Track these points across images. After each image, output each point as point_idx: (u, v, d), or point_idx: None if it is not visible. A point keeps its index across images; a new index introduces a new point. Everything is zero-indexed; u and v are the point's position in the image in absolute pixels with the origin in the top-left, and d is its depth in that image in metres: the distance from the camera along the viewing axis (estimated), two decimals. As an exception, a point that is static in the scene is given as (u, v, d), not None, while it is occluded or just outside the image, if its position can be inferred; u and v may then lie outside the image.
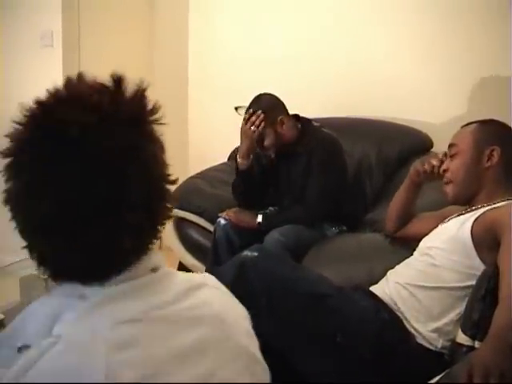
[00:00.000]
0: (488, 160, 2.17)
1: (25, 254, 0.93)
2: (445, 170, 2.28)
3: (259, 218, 3.15)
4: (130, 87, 0.95)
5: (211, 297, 1.04)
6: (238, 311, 1.08)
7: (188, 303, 0.97)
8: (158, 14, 4.57)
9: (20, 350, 0.94)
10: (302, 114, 3.31)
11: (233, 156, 3.72)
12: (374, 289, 2.23)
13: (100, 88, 0.94)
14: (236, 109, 3.51)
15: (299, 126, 3.25)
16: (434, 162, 2.37)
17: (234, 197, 3.39)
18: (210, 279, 1.09)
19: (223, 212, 3.26)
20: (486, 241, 1.98)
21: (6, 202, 0.93)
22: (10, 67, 3.99)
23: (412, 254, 2.26)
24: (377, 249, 2.68)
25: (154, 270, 0.99)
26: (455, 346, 1.90)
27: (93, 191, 0.88)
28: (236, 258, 2.17)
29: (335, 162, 3.21)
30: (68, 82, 0.94)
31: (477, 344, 1.79)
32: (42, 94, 0.93)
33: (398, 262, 2.27)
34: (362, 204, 3.49)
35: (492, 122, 2.28)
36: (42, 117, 0.91)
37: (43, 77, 3.90)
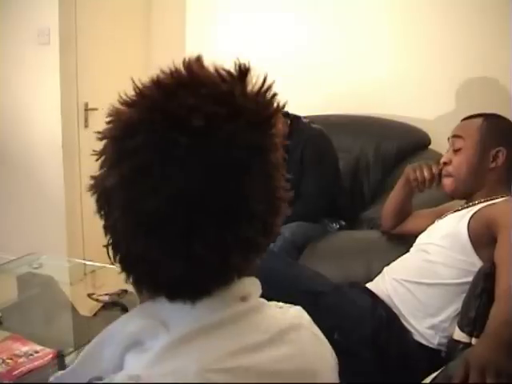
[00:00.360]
0: (493, 161, 2.15)
1: (22, 252, 0.87)
2: (446, 163, 2.24)
3: None
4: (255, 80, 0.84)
5: (307, 343, 0.92)
6: (329, 362, 0.97)
7: (283, 350, 0.86)
8: (155, 11, 4.56)
9: (91, 382, 0.82)
10: (300, 112, 3.31)
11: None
12: (370, 286, 2.23)
13: (227, 77, 0.82)
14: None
15: (288, 122, 3.25)
16: (426, 174, 2.31)
17: None
18: (305, 317, 0.98)
19: None
20: (482, 237, 1.98)
21: (96, 191, 0.83)
22: (7, 64, 3.99)
23: (409, 251, 2.26)
24: (374, 245, 2.68)
25: (244, 298, 0.87)
26: (452, 342, 1.90)
27: (210, 193, 0.78)
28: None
29: (327, 155, 3.23)
30: (188, 65, 0.82)
31: (474, 341, 1.79)
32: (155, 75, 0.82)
33: (395, 259, 2.27)
34: (359, 201, 3.50)
35: (498, 118, 2.25)
36: (161, 100, 0.80)
37: (40, 74, 3.91)
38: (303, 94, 3.82)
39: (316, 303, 2.03)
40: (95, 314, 2.18)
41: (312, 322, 0.98)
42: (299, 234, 2.97)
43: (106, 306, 2.20)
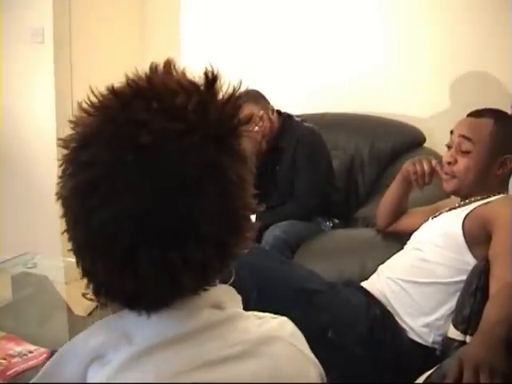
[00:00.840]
0: (500, 168, 2.13)
1: (16, 251, 0.86)
2: (450, 162, 2.19)
3: (252, 218, 3.12)
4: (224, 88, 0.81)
5: (282, 358, 0.86)
6: (308, 377, 0.90)
7: (252, 368, 0.81)
8: (148, 10, 4.55)
9: None
10: (293, 111, 3.31)
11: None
12: (365, 284, 2.23)
13: (188, 86, 0.78)
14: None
15: (280, 120, 3.26)
16: (425, 167, 2.30)
17: None
18: (287, 329, 0.91)
19: None
20: (477, 236, 1.98)
21: (59, 198, 0.81)
22: (1, 64, 3.97)
23: (403, 249, 2.26)
24: (368, 243, 2.68)
25: (217, 307, 0.84)
26: (447, 340, 1.91)
27: (157, 213, 0.74)
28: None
29: (319, 154, 3.23)
30: (151, 73, 0.80)
31: (468, 339, 1.79)
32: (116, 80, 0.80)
33: (390, 257, 2.26)
34: (354, 199, 3.50)
35: (505, 118, 2.21)
36: (115, 110, 0.77)
37: (34, 74, 3.90)
38: (297, 93, 3.82)
39: (310, 302, 2.04)
40: (90, 314, 2.18)
41: (295, 334, 0.92)
42: (291, 232, 2.97)
43: (101, 306, 2.20)
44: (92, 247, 0.78)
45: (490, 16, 3.40)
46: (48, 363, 0.84)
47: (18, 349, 1.85)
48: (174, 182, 0.75)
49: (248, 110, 3.08)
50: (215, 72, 0.80)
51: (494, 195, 2.11)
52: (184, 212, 0.75)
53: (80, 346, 0.82)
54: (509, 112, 2.60)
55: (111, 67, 3.97)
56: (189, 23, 4.43)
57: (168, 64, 0.81)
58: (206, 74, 0.79)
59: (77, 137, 0.79)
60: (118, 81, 0.82)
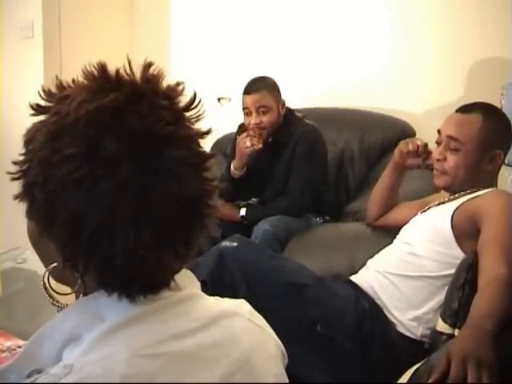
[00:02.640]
0: (490, 163, 2.13)
1: (6, 246, 0.89)
2: (439, 159, 2.19)
3: (242, 212, 3.14)
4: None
5: (241, 330, 0.92)
6: (268, 350, 0.95)
7: (213, 337, 0.87)
8: (138, 5, 4.54)
9: (30, 375, 0.83)
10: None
11: (216, 148, 3.71)
12: (354, 278, 2.23)
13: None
14: (219, 100, 3.50)
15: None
16: (419, 143, 2.36)
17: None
18: (244, 307, 0.97)
19: None
20: (466, 230, 1.99)
21: (47, 199, 0.84)
22: (-10, 59, 3.96)
23: (393, 243, 2.27)
24: (358, 238, 2.69)
25: (176, 289, 0.89)
26: (435, 334, 1.92)
27: (103, 203, 0.79)
28: (215, 248, 2.16)
29: (319, 152, 3.23)
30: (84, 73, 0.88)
31: (457, 332, 1.80)
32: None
33: (379, 251, 2.28)
34: (344, 193, 3.50)
35: (495, 114, 2.22)
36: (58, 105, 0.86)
37: (24, 69, 3.88)
38: (288, 88, 3.81)
39: (299, 295, 2.04)
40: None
41: (253, 313, 0.97)
42: (281, 226, 2.96)
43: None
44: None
45: (485, 13, 3.41)
46: (25, 345, 0.89)
47: (8, 344, 1.84)
48: (112, 179, 0.79)
49: (262, 96, 3.07)
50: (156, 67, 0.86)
51: (483, 189, 2.12)
52: (133, 205, 0.79)
53: (56, 328, 0.86)
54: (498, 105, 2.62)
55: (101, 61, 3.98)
56: (178, 17, 4.42)
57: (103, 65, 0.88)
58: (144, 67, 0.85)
59: (27, 132, 0.89)
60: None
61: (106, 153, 0.78)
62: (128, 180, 0.78)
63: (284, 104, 3.22)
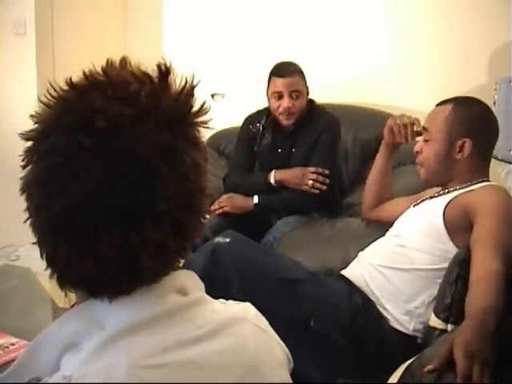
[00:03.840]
0: (459, 152, 2.13)
1: None
2: (418, 152, 2.24)
3: (255, 199, 3.09)
4: (177, 80, 0.85)
5: (249, 336, 0.90)
6: (275, 356, 0.94)
7: (221, 344, 0.85)
8: (132, 1, 4.53)
9: (29, 383, 0.83)
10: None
11: (210, 144, 3.70)
12: (345, 271, 2.24)
13: (142, 77, 0.83)
14: (212, 96, 3.49)
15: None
16: (406, 119, 2.41)
17: (227, 189, 3.26)
18: (251, 311, 0.96)
19: (214, 203, 3.11)
20: (459, 224, 1.99)
21: (23, 190, 0.84)
22: (-18, 56, 3.95)
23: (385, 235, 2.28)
24: (352, 233, 2.69)
25: (181, 292, 0.87)
26: (428, 329, 1.92)
27: (114, 195, 0.78)
28: (208, 245, 2.15)
29: (338, 145, 3.25)
30: (108, 66, 0.84)
31: (449, 327, 1.81)
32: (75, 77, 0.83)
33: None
34: (338, 189, 3.50)
35: (467, 103, 2.22)
36: (72, 101, 0.81)
37: (16, 65, 3.87)
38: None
39: (292, 291, 2.05)
40: (73, 306, 2.17)
41: (259, 317, 0.96)
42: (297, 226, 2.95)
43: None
44: (54, 232, 0.80)
45: (480, 10, 3.41)
46: (23, 352, 0.87)
47: (0, 341, 1.85)
48: (130, 165, 0.78)
49: (296, 80, 3.05)
50: (168, 65, 0.84)
51: (477, 183, 2.12)
52: (140, 193, 0.79)
53: (53, 335, 0.84)
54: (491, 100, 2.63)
55: (94, 58, 3.96)
56: (172, 13, 4.41)
57: (124, 60, 0.85)
58: (159, 66, 0.84)
59: (37, 129, 0.83)
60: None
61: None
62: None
63: (308, 91, 3.21)
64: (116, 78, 0.82)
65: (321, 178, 3.04)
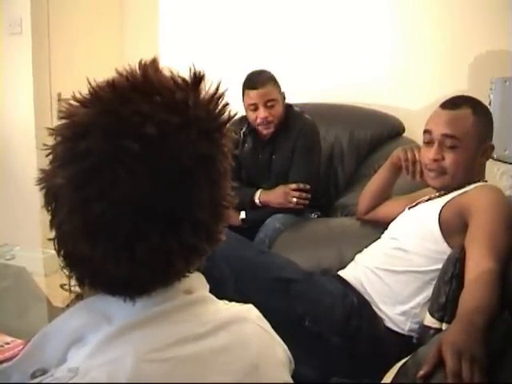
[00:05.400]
0: (483, 155, 2.12)
1: None
2: (436, 159, 2.13)
3: (242, 215, 3.11)
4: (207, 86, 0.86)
5: (251, 336, 0.92)
6: (277, 356, 0.96)
7: (223, 341, 0.86)
8: (128, 1, 4.53)
9: (34, 374, 0.82)
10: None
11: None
12: (342, 273, 2.24)
13: (182, 84, 0.83)
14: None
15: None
16: (417, 156, 2.30)
17: None
18: (253, 312, 0.97)
19: None
20: (454, 225, 1.99)
21: (44, 187, 0.83)
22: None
23: (381, 238, 2.27)
24: (347, 233, 2.69)
25: (188, 292, 0.88)
26: (423, 328, 1.92)
27: (156, 200, 0.78)
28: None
29: (317, 147, 3.25)
30: (144, 68, 0.83)
31: (444, 326, 1.81)
32: (109, 75, 0.83)
33: (368, 246, 2.29)
34: (334, 188, 3.51)
35: (481, 106, 2.18)
36: (112, 102, 0.80)
37: (12, 65, 3.86)
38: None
39: (287, 290, 2.05)
40: (68, 305, 2.17)
41: (261, 318, 0.97)
42: (290, 225, 2.96)
43: (79, 297, 2.19)
44: (91, 234, 0.80)
45: (480, 9, 3.42)
46: (29, 343, 0.87)
47: (-5, 340, 1.84)
48: (173, 171, 0.79)
49: (269, 89, 3.04)
50: (201, 72, 0.85)
51: (474, 183, 2.12)
52: (181, 199, 0.80)
53: (61, 328, 0.85)
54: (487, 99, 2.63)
55: (90, 58, 3.96)
56: (168, 15, 4.41)
57: (155, 62, 0.85)
58: (194, 73, 0.84)
59: (71, 126, 0.81)
60: (96, 71, 0.84)
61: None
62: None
63: (285, 96, 3.22)
64: (157, 83, 0.82)
65: (304, 195, 3.06)
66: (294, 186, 3.06)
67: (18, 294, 2.43)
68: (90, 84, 0.82)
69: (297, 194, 3.04)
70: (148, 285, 0.83)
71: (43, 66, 3.85)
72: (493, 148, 2.14)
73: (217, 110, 0.85)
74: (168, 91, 0.81)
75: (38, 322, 2.24)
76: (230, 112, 0.87)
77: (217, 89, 0.86)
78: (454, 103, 2.16)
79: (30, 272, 2.57)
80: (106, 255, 0.79)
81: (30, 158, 3.80)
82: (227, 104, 0.86)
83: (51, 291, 2.46)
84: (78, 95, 0.83)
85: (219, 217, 0.87)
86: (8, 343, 1.83)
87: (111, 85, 0.82)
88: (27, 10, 3.76)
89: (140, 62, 0.84)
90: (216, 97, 0.85)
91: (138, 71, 0.83)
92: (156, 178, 0.78)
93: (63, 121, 0.83)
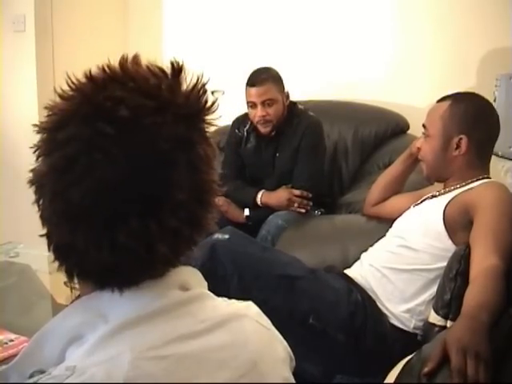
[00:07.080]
0: (456, 149, 2.12)
1: None
2: (419, 148, 2.26)
3: (246, 212, 3.12)
4: (189, 78, 0.86)
5: (250, 333, 0.91)
6: (277, 353, 0.95)
7: (222, 339, 0.86)
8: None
9: (32, 375, 0.82)
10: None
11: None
12: (347, 272, 2.24)
13: (158, 73, 0.85)
14: (212, 93, 3.48)
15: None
16: None
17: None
18: (253, 309, 0.97)
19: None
20: (458, 222, 1.98)
21: (32, 182, 0.84)
22: (-18, 53, 3.94)
23: (385, 235, 2.27)
24: (351, 230, 2.69)
25: (184, 289, 0.88)
26: (428, 325, 1.92)
27: (134, 183, 0.79)
28: (207, 241, 2.14)
29: (322, 146, 3.24)
30: (123, 61, 0.85)
31: (449, 323, 1.80)
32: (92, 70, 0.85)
33: (372, 243, 2.28)
34: (338, 185, 3.51)
35: (465, 100, 2.19)
36: (91, 92, 0.82)
37: (16, 62, 3.87)
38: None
39: (292, 287, 2.04)
40: (72, 302, 2.17)
41: (261, 315, 0.97)
42: (292, 221, 2.95)
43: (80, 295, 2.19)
44: (71, 221, 0.81)
45: (482, 6, 3.41)
46: (27, 344, 0.88)
47: (-1, 337, 1.85)
48: (149, 153, 0.80)
49: (268, 88, 3.01)
50: (180, 63, 0.86)
51: (477, 180, 2.11)
52: (159, 181, 0.81)
53: (58, 327, 0.86)
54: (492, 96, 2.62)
55: (93, 55, 3.93)
56: (172, 9, 4.41)
57: (136, 57, 0.87)
58: (172, 63, 0.85)
59: (52, 120, 0.84)
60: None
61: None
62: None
63: (288, 95, 3.21)
64: (134, 72, 0.84)
65: (305, 202, 3.06)
66: (297, 192, 3.06)
67: (22, 291, 2.44)
68: (69, 78, 0.84)
69: (299, 200, 3.04)
70: (134, 273, 0.83)
71: (47, 64, 3.85)
72: (467, 142, 2.10)
73: (194, 97, 0.86)
74: (142, 78, 0.83)
75: (42, 319, 2.24)
76: (213, 101, 0.88)
77: (198, 78, 0.87)
78: (444, 97, 2.22)
79: (35, 269, 2.58)
80: (88, 242, 0.80)
81: (34, 156, 3.80)
82: (206, 91, 0.87)
83: (55, 289, 2.46)
84: (59, 90, 0.84)
85: (205, 203, 0.87)
86: (12, 340, 1.83)
87: (88, 76, 0.84)
88: (31, 7, 3.78)
89: (122, 57, 0.86)
90: (197, 86, 0.86)
91: (116, 64, 0.85)
92: (132, 161, 0.79)
93: (47, 116, 0.85)
